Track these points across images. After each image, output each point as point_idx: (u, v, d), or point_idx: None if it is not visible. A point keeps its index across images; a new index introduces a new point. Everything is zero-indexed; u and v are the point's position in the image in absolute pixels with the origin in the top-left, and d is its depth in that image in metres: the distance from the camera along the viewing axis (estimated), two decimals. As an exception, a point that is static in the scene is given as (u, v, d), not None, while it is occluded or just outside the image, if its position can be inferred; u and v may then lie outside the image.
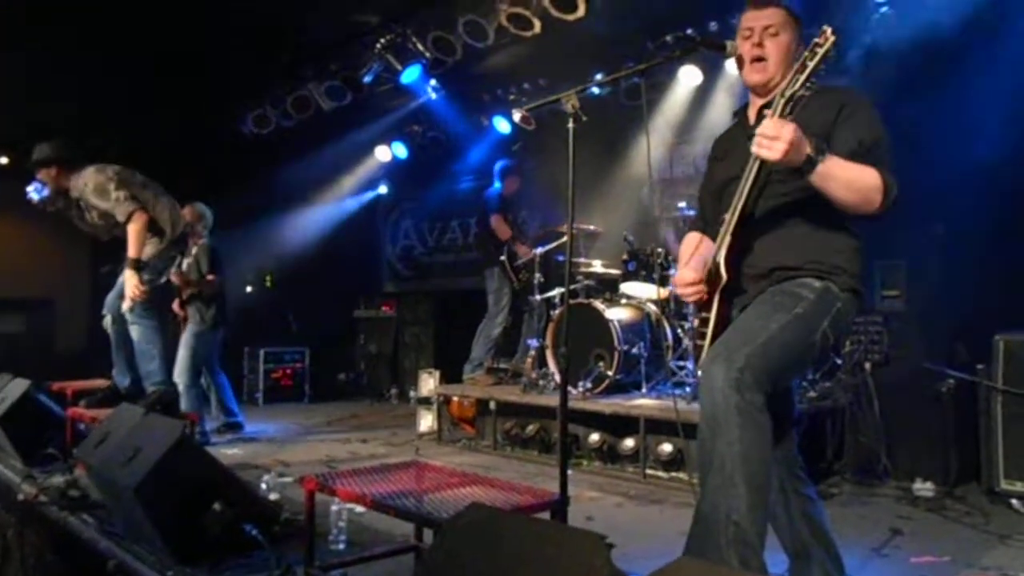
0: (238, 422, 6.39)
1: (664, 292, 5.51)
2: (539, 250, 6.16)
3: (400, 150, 8.85)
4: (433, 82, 7.41)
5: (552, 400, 5.27)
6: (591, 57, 6.37)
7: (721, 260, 2.27)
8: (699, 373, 2.10)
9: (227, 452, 5.47)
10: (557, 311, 5.87)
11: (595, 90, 6.57)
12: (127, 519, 3.08)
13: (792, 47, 2.34)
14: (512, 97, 7.52)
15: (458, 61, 6.31)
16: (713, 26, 5.62)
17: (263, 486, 3.83)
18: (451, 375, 6.54)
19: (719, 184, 2.48)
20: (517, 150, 8.00)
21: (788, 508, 2.34)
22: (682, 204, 5.65)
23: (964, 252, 4.53)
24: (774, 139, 1.95)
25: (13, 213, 7.44)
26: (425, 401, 6.36)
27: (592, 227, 6.42)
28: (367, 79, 6.81)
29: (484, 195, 6.78)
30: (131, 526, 3.06)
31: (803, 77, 2.02)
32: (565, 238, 3.18)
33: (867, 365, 4.57)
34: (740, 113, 2.53)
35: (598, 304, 5.50)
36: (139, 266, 4.59)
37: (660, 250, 5.49)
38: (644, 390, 5.28)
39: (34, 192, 4.89)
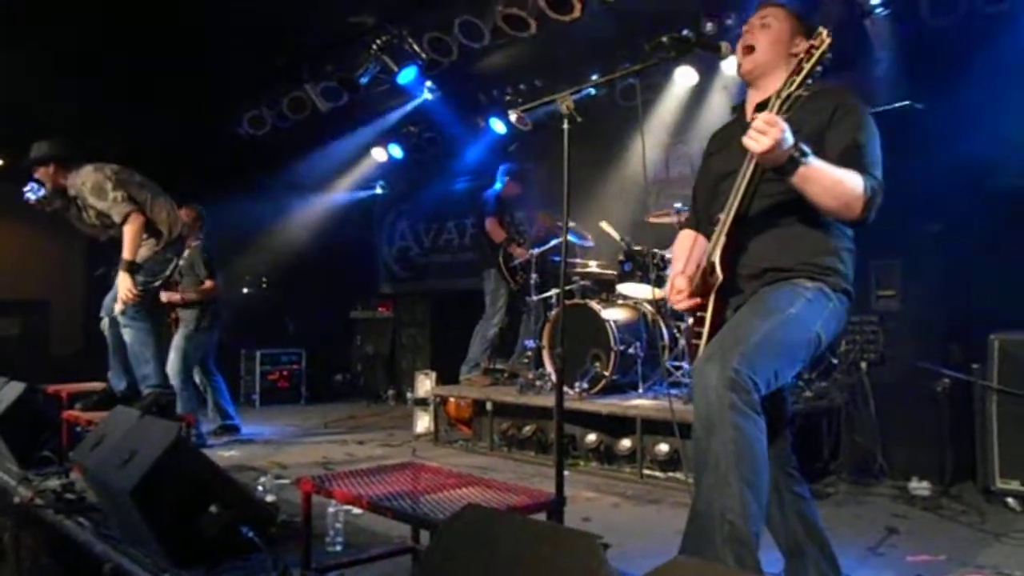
0: (234, 424, 6.38)
1: (660, 292, 5.51)
2: (535, 251, 6.17)
3: (396, 151, 8.85)
4: (429, 83, 7.41)
5: (549, 401, 5.27)
6: (587, 58, 6.38)
7: (716, 260, 2.27)
8: (693, 372, 2.11)
9: (224, 454, 5.46)
10: (553, 312, 5.87)
11: (591, 91, 6.56)
12: (123, 522, 3.08)
13: (785, 38, 2.36)
14: (508, 98, 7.53)
15: (454, 62, 6.31)
16: (709, 27, 5.65)
17: (260, 488, 3.82)
18: (448, 376, 6.54)
19: (714, 179, 2.50)
20: (513, 151, 8.01)
21: (782, 507, 2.35)
22: (678, 205, 5.66)
23: (959, 252, 4.54)
24: (762, 133, 1.98)
25: (8, 215, 7.43)
26: (422, 402, 6.36)
27: (588, 240, 6.39)
28: (363, 80, 6.81)
29: (481, 196, 6.79)
30: (127, 529, 3.06)
31: (799, 78, 2.04)
32: (559, 240, 3.19)
33: (863, 365, 4.58)
34: (739, 108, 2.55)
35: (594, 304, 5.51)
36: (133, 268, 4.54)
37: (656, 251, 5.50)
38: (640, 390, 5.29)
39: (31, 192, 4.83)
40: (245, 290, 9.10)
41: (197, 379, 6.26)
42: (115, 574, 2.77)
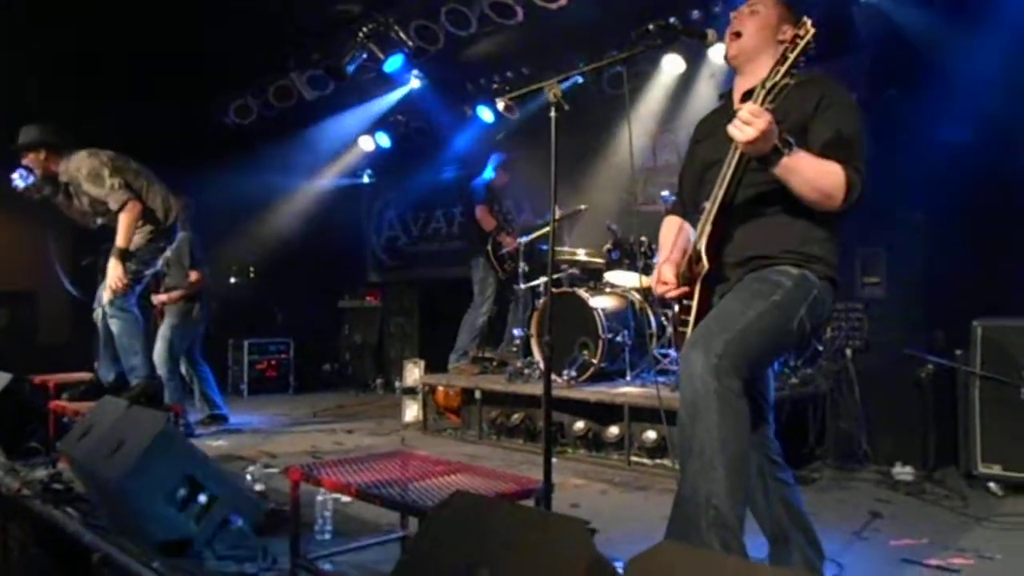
0: (222, 414, 6.37)
1: (648, 280, 5.52)
2: (523, 240, 6.17)
3: (383, 139, 8.81)
4: (416, 71, 7.38)
5: (537, 389, 5.29)
6: (574, 46, 6.37)
7: (702, 248, 2.29)
8: (679, 360, 2.13)
9: (212, 444, 5.46)
10: (541, 300, 5.88)
11: (578, 79, 6.56)
12: (111, 512, 3.08)
13: (773, 24, 2.37)
14: (495, 86, 7.50)
15: (441, 50, 6.29)
16: (695, 15, 5.65)
17: (248, 477, 3.83)
18: (436, 365, 6.55)
19: (700, 167, 2.51)
20: (501, 139, 8.00)
21: (766, 493, 2.37)
22: (665, 193, 5.67)
23: (943, 239, 4.58)
24: (747, 123, 1.99)
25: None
26: (410, 391, 6.37)
27: (581, 206, 6.40)
28: (350, 68, 6.77)
29: (471, 185, 6.78)
30: (115, 519, 3.06)
31: (784, 68, 2.04)
32: (548, 228, 3.19)
33: (848, 351, 4.62)
34: (726, 96, 2.56)
35: (582, 293, 5.52)
36: (125, 256, 4.48)
37: (643, 239, 5.52)
38: (628, 378, 5.32)
39: (20, 179, 4.70)
40: (232, 280, 9.06)
41: (183, 369, 6.24)
42: (104, 564, 2.77)
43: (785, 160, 2.05)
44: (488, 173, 6.76)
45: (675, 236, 2.59)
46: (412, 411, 6.33)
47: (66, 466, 3.79)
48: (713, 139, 2.44)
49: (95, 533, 3.04)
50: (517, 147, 7.55)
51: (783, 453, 2.44)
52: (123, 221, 4.48)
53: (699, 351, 2.05)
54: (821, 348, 4.79)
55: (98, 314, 4.68)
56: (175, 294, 6.04)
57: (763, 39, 2.36)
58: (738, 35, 2.39)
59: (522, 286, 6.21)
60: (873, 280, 4.67)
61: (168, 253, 5.04)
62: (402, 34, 6.33)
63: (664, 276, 2.46)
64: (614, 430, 4.86)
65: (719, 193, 2.25)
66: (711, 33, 2.64)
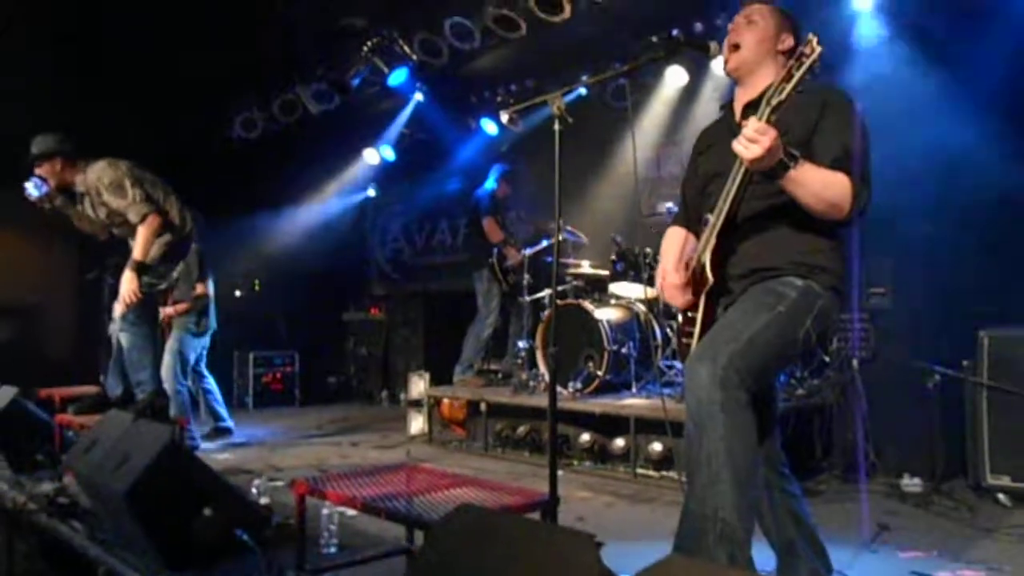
0: (227, 427, 6.36)
1: (652, 292, 5.52)
2: (527, 251, 6.17)
3: (388, 152, 8.84)
4: (420, 84, 7.41)
5: (542, 401, 5.28)
6: (577, 59, 6.39)
7: (707, 262, 2.29)
8: (685, 371, 2.12)
9: (217, 457, 5.45)
10: (546, 312, 5.88)
11: (581, 91, 6.62)
12: (117, 525, 3.07)
13: (771, 34, 2.35)
14: (499, 99, 7.54)
15: (445, 63, 6.32)
16: (698, 27, 5.66)
17: (254, 490, 3.81)
18: (441, 377, 6.54)
19: (702, 179, 2.51)
20: (505, 151, 8.02)
21: (773, 505, 2.36)
22: (669, 204, 5.67)
23: (950, 250, 4.57)
24: (753, 141, 1.98)
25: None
26: (415, 403, 6.36)
27: (582, 237, 6.42)
28: (355, 82, 6.81)
29: (475, 196, 6.79)
30: (121, 532, 3.05)
31: (789, 86, 2.01)
32: (553, 240, 3.20)
33: (854, 362, 4.60)
34: (727, 107, 2.55)
35: (587, 304, 5.52)
36: (141, 269, 4.42)
37: (648, 250, 5.51)
38: (634, 390, 5.30)
39: (33, 188, 4.57)
40: (237, 292, 9.07)
41: (188, 382, 6.24)
42: (109, 578, 2.77)
43: (791, 173, 2.05)
44: (490, 184, 6.77)
45: (678, 247, 2.59)
46: (417, 423, 6.32)
47: (72, 480, 3.78)
48: (715, 151, 2.44)
49: (101, 547, 3.03)
50: (521, 159, 7.58)
51: (789, 464, 2.43)
52: (142, 234, 4.41)
53: (705, 363, 2.04)
54: (828, 359, 4.77)
55: (113, 328, 4.66)
56: (182, 307, 6.05)
57: (763, 50, 2.35)
58: (736, 47, 2.37)
59: (526, 298, 6.21)
60: (879, 290, 4.65)
61: (180, 266, 5.01)
62: (406, 48, 6.36)
63: (673, 282, 2.45)
64: (620, 442, 4.84)
65: (723, 207, 2.25)
66: (713, 45, 2.65)
